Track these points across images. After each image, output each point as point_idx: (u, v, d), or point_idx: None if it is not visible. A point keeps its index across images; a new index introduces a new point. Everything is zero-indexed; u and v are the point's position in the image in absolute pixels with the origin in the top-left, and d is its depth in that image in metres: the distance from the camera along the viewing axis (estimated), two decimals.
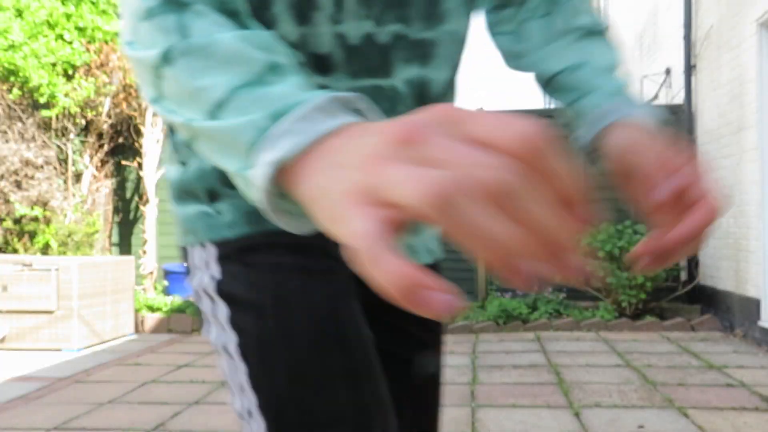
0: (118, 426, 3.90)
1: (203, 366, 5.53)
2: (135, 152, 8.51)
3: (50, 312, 6.20)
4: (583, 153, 0.80)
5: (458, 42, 0.82)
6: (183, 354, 6.06)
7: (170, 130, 0.84)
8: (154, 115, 8.27)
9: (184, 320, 7.27)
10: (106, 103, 8.17)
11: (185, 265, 0.86)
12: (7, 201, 7.80)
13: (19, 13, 7.83)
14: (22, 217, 7.85)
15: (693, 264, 7.05)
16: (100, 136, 8.44)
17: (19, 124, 7.91)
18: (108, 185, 8.65)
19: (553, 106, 0.87)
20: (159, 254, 8.47)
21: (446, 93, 0.83)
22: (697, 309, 6.79)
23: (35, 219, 7.90)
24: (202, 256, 0.81)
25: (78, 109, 7.97)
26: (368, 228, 0.35)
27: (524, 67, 0.91)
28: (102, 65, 8.04)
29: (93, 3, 8.23)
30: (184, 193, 0.84)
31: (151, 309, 7.47)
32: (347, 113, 0.45)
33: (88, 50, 7.99)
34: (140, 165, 8.35)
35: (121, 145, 8.62)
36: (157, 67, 0.54)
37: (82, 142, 8.33)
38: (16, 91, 7.71)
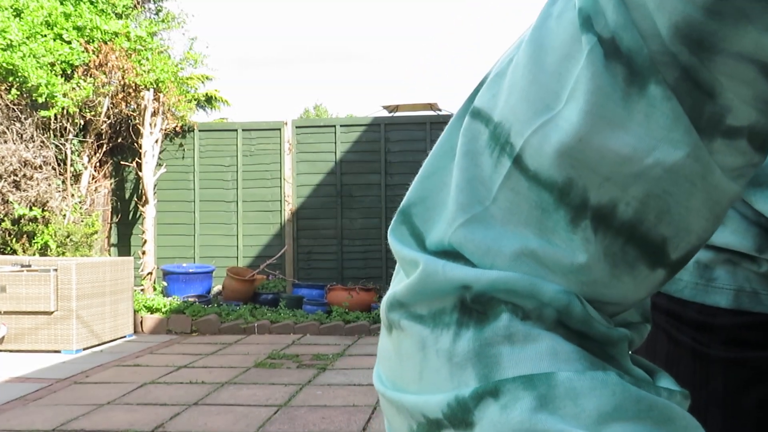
0: (117, 427, 3.88)
1: (202, 367, 5.51)
2: (134, 152, 8.49)
3: (49, 313, 6.18)
4: None
5: None
6: (182, 355, 6.04)
7: None
8: (153, 114, 8.26)
9: (183, 321, 7.25)
10: (105, 103, 8.15)
11: None
12: (5, 201, 7.78)
13: (18, 13, 7.81)
14: (20, 217, 7.83)
15: None
16: (98, 136, 8.43)
17: (18, 125, 7.89)
18: (107, 185, 8.63)
19: None
20: (158, 255, 8.46)
21: None
22: None
23: (34, 219, 7.88)
24: None
25: (76, 110, 7.95)
26: None
27: None
28: (101, 65, 8.02)
29: (92, 2, 8.21)
30: None
31: (150, 310, 7.45)
32: None
33: (86, 50, 7.97)
34: (139, 165, 8.33)
35: (119, 145, 8.61)
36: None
37: (81, 142, 8.31)
38: (14, 91, 7.69)
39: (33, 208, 7.80)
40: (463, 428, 0.33)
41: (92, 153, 8.39)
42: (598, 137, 0.32)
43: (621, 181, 0.33)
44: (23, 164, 7.83)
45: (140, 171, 8.27)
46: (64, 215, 7.95)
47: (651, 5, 0.31)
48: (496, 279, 0.34)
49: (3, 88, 7.75)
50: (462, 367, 0.34)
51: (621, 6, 0.31)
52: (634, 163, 0.32)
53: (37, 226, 7.86)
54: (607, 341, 0.35)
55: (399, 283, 0.38)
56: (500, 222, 0.35)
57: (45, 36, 7.78)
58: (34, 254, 7.69)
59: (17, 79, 7.61)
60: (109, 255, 8.60)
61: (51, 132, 8.07)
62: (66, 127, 8.09)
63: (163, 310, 7.43)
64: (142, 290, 7.97)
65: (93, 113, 8.15)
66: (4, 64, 7.47)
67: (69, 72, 7.94)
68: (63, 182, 8.11)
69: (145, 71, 8.18)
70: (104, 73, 8.04)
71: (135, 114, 8.31)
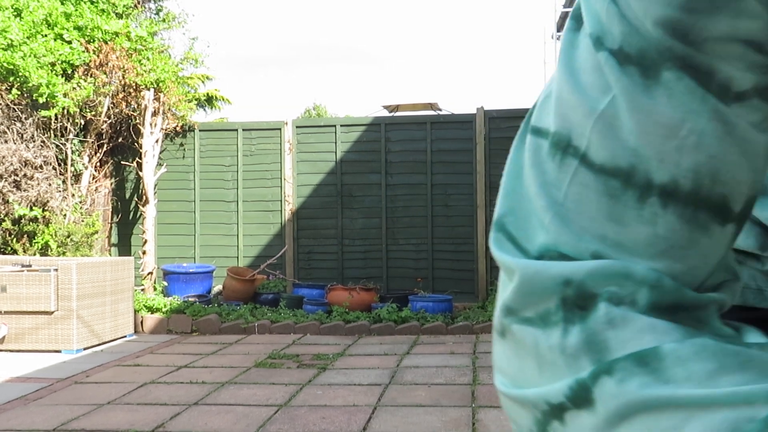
0: (118, 427, 3.88)
1: (203, 367, 5.51)
2: (134, 152, 8.50)
3: (49, 313, 6.18)
4: None
5: None
6: (182, 355, 6.04)
7: None
8: (154, 114, 8.26)
9: (183, 321, 7.25)
10: (106, 103, 8.16)
11: None
12: (6, 201, 7.79)
13: (18, 13, 7.81)
14: (21, 217, 7.84)
15: None
16: (99, 136, 8.43)
17: (18, 124, 7.89)
18: (107, 185, 8.63)
19: None
20: (158, 255, 8.46)
21: None
22: None
23: (34, 219, 7.88)
24: None
25: (77, 109, 7.95)
26: None
27: None
28: (101, 65, 8.03)
29: (92, 2, 8.21)
30: None
31: (151, 310, 7.46)
32: None
33: (87, 50, 7.97)
34: (139, 165, 8.33)
35: (120, 145, 8.61)
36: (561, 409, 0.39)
37: (82, 142, 8.32)
38: (15, 91, 7.70)
39: (33, 208, 7.80)
40: (585, 406, 0.38)
41: (93, 153, 8.39)
42: (640, 126, 0.38)
43: (671, 158, 0.38)
44: (24, 164, 7.83)
45: (141, 171, 8.27)
46: (65, 215, 7.95)
47: (639, 13, 0.38)
48: (593, 268, 0.39)
49: (3, 87, 7.75)
50: (576, 357, 0.39)
51: (622, 19, 0.39)
52: (673, 139, 0.38)
53: (38, 226, 7.86)
54: (697, 306, 0.40)
55: (505, 290, 0.43)
56: (575, 214, 0.41)
57: (45, 36, 7.78)
58: (34, 254, 7.69)
59: (18, 79, 7.61)
60: (110, 255, 8.61)
61: (51, 132, 8.07)
62: (66, 127, 8.09)
63: (164, 309, 7.43)
64: (142, 290, 7.97)
65: (93, 113, 8.15)
66: (5, 64, 7.47)
67: (69, 72, 7.94)
68: (63, 182, 8.11)
69: (145, 71, 8.18)
70: (105, 73, 8.04)
71: (135, 114, 8.32)
